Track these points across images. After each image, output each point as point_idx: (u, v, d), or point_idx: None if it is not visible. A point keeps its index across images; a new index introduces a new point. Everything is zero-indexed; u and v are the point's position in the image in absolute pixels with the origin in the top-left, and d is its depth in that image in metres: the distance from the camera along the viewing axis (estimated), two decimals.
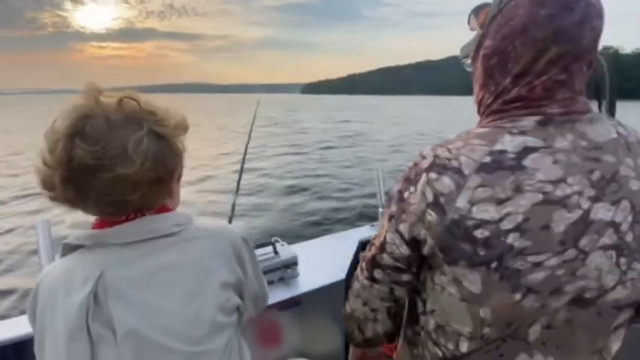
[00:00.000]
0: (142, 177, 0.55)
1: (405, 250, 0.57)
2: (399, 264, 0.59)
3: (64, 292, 0.57)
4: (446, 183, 0.51)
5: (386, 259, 0.60)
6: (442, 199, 0.51)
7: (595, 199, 0.49)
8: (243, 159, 1.50)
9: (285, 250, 1.52)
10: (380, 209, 1.85)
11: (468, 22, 0.66)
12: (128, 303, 0.57)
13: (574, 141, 0.51)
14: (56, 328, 0.56)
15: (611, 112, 0.96)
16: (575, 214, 0.48)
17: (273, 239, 1.55)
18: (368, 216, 5.83)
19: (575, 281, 0.50)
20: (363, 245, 1.72)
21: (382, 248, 0.61)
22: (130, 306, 0.57)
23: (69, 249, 0.61)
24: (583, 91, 0.57)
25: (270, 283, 1.45)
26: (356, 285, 0.69)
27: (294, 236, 4.91)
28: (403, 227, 0.57)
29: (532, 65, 0.53)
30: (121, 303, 0.56)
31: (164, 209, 0.64)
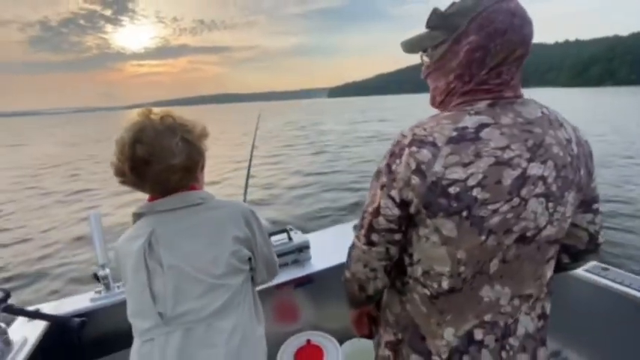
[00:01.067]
0: (178, 167, 0.83)
1: (396, 211, 0.69)
2: (392, 225, 0.70)
3: (130, 243, 0.86)
4: (424, 154, 0.64)
5: (381, 221, 0.71)
6: (423, 167, 0.64)
7: (529, 160, 0.64)
8: (250, 160, 1.76)
9: (298, 237, 1.74)
10: None
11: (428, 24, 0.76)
12: (170, 248, 0.84)
13: (513, 118, 0.66)
14: (127, 266, 0.86)
15: None
16: (517, 171, 0.63)
17: (287, 227, 1.77)
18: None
19: (519, 222, 0.65)
20: None
21: (377, 213, 0.71)
22: (171, 249, 0.84)
23: (137, 216, 0.90)
24: (520, 79, 0.74)
25: (285, 264, 1.68)
26: (355, 252, 0.78)
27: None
28: (394, 192, 0.68)
29: (503, 61, 0.67)
30: (166, 247, 0.84)
31: (192, 188, 0.91)
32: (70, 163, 14.24)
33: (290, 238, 1.72)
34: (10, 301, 1.23)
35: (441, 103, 0.77)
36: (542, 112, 0.70)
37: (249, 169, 1.75)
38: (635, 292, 1.36)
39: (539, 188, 0.65)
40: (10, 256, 5.30)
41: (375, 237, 0.73)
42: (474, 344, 0.70)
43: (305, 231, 1.87)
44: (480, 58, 0.68)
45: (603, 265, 1.56)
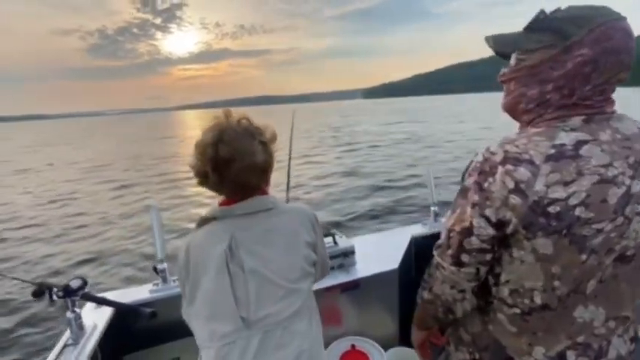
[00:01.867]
0: (259, 166, 0.86)
1: (491, 231, 0.66)
2: (485, 245, 0.68)
3: (210, 246, 0.87)
4: (522, 172, 0.62)
5: (474, 241, 0.68)
6: (522, 185, 0.62)
7: (632, 177, 0.63)
8: (289, 161, 1.78)
9: (344, 241, 1.75)
10: (433, 207, 1.97)
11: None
12: (251, 252, 0.86)
13: (611, 134, 0.64)
14: (208, 269, 0.86)
15: None
16: (622, 189, 0.62)
17: (332, 231, 1.79)
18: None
19: (621, 242, 0.63)
20: (415, 240, 1.87)
21: (470, 232, 0.68)
22: (251, 254, 0.86)
23: (203, 221, 0.91)
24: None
25: (332, 269, 1.69)
26: (441, 273, 0.75)
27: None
28: (489, 212, 0.65)
29: (607, 80, 0.65)
30: (247, 252, 0.86)
31: (264, 192, 0.93)
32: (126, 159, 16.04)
33: (336, 242, 1.73)
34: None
35: (526, 112, 0.72)
36: (639, 128, 0.68)
37: (289, 170, 1.77)
38: None
39: None
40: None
41: (465, 257, 0.70)
42: None
43: (339, 227, 1.88)
44: (588, 73, 0.65)
45: None
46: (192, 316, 0.90)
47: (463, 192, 0.71)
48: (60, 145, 29.25)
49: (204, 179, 0.87)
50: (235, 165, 0.83)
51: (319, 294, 1.59)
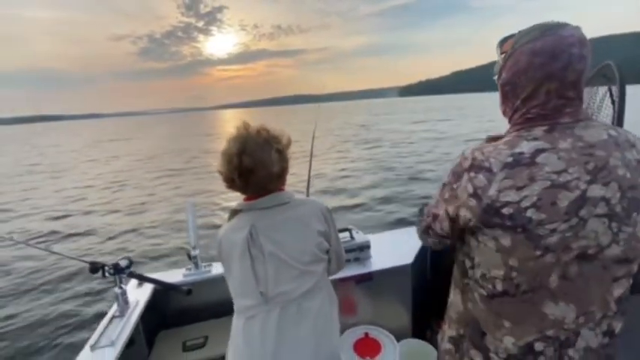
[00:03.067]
0: (275, 174, 1.00)
1: (447, 226, 0.80)
2: (444, 233, 0.82)
3: (234, 234, 1.02)
4: (480, 179, 0.71)
5: (437, 228, 0.83)
6: (479, 191, 0.71)
7: (590, 182, 0.67)
8: (310, 157, 1.89)
9: (360, 236, 1.85)
10: None
11: (497, 50, 0.86)
12: (269, 238, 1.00)
13: (572, 142, 0.69)
14: (234, 255, 1.01)
15: (620, 113, 1.03)
16: (575, 193, 0.66)
17: (349, 227, 1.89)
18: None
19: (579, 241, 0.67)
20: None
21: (435, 219, 0.83)
22: (270, 240, 1.00)
23: (234, 212, 1.07)
24: (581, 102, 0.75)
25: (347, 261, 1.79)
26: (419, 226, 0.94)
27: None
28: (451, 209, 0.77)
29: (534, 94, 0.74)
30: (266, 238, 1.00)
31: (281, 189, 1.07)
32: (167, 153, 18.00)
33: (352, 237, 1.84)
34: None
35: (510, 117, 0.83)
36: (609, 135, 0.71)
37: (310, 166, 1.89)
38: None
39: (601, 209, 0.67)
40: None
41: (431, 233, 0.87)
42: (532, 354, 0.74)
43: (356, 224, 1.98)
44: (512, 91, 0.78)
45: None
46: (232, 293, 1.07)
47: (442, 187, 0.82)
48: (119, 141, 33.17)
49: (231, 184, 1.02)
50: (257, 174, 0.98)
51: (336, 284, 1.71)
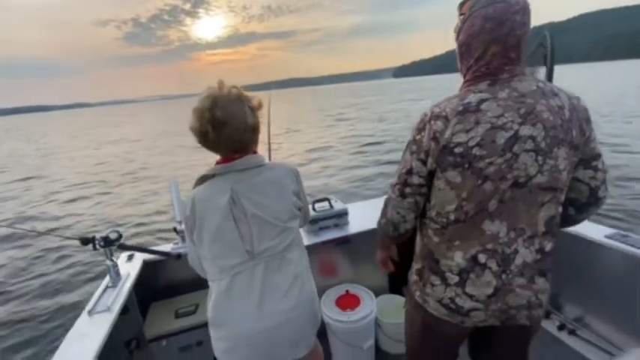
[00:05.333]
0: (249, 126, 1.03)
1: (424, 171, 0.90)
2: (422, 180, 0.92)
3: (214, 198, 1.04)
4: (439, 125, 0.85)
5: (415, 179, 0.92)
6: (437, 134, 0.84)
7: (521, 124, 0.80)
8: (269, 126, 1.84)
9: (338, 204, 1.95)
10: None
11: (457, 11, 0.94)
12: (250, 201, 1.05)
13: (509, 93, 0.82)
14: (213, 216, 1.03)
15: (550, 73, 1.17)
16: (509, 133, 0.80)
17: (328, 197, 1.99)
18: None
19: (512, 172, 0.81)
20: None
21: (410, 172, 0.92)
22: (252, 202, 1.05)
23: (203, 178, 1.08)
24: (519, 61, 0.85)
25: (327, 227, 1.90)
26: (391, 203, 0.99)
27: None
28: (422, 155, 0.89)
29: (483, 55, 0.85)
30: (247, 200, 1.04)
31: (254, 152, 1.11)
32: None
33: (331, 206, 1.94)
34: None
35: (464, 75, 0.93)
36: (538, 86, 0.83)
37: (269, 136, 1.90)
38: None
39: (529, 145, 0.80)
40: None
41: (407, 190, 0.94)
42: (479, 265, 0.87)
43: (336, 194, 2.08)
44: (467, 52, 0.88)
45: (623, 233, 1.58)
46: (202, 257, 1.10)
47: (408, 145, 0.95)
48: (115, 126, 33.94)
49: (203, 138, 1.03)
50: (230, 125, 1.00)
51: (317, 247, 1.82)
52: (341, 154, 10.57)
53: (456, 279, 0.90)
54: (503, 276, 0.87)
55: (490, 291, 0.87)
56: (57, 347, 1.21)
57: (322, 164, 9.43)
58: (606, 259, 1.57)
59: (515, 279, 0.87)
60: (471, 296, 0.89)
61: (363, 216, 1.98)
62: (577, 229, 1.70)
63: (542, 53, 1.27)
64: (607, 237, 1.57)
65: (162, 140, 18.37)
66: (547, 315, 1.93)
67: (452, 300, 0.91)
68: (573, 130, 0.82)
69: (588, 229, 1.68)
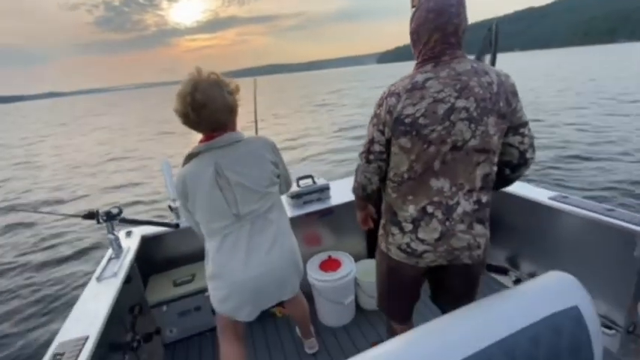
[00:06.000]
0: (227, 107, 1.19)
1: (383, 140, 1.08)
2: (382, 148, 1.09)
3: (201, 172, 1.20)
4: (393, 101, 1.02)
5: (376, 147, 1.10)
6: (391, 108, 1.02)
7: (457, 97, 0.98)
8: (256, 121, 1.97)
9: (321, 181, 2.15)
10: None
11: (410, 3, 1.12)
12: (233, 171, 1.21)
13: (448, 72, 1.00)
14: (203, 187, 1.20)
15: (494, 58, 1.40)
16: (447, 105, 0.98)
17: (311, 174, 2.18)
18: None
19: (450, 137, 0.99)
20: None
21: (372, 142, 1.10)
22: (234, 173, 1.21)
23: (190, 156, 1.23)
24: (459, 45, 1.03)
25: (311, 201, 2.10)
26: (360, 169, 1.17)
27: None
28: (381, 127, 1.07)
29: (428, 41, 1.02)
30: (230, 172, 1.21)
31: (233, 130, 1.27)
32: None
33: (314, 182, 2.13)
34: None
35: (416, 59, 1.10)
36: (472, 66, 1.01)
37: (255, 113, 1.97)
38: (590, 214, 1.64)
39: (463, 115, 0.99)
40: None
41: (371, 157, 1.13)
42: (427, 215, 1.06)
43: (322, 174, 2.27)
44: (416, 39, 1.06)
45: (563, 194, 1.84)
46: (198, 223, 1.29)
47: (371, 119, 1.12)
48: (97, 116, 33.57)
49: (186, 119, 1.18)
50: (209, 107, 1.15)
51: (301, 219, 2.02)
52: (322, 138, 11.02)
53: (410, 227, 1.09)
54: (447, 223, 1.05)
55: (437, 235, 1.06)
56: (72, 307, 1.35)
57: (306, 148, 9.76)
58: (550, 219, 1.83)
59: (457, 225, 1.05)
60: (422, 240, 1.08)
61: (343, 190, 2.18)
62: (524, 192, 1.96)
63: (488, 39, 1.49)
64: (550, 199, 1.82)
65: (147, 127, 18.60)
66: (505, 272, 2.21)
67: (408, 245, 1.11)
68: (500, 101, 0.99)
69: (534, 193, 1.94)
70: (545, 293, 0.83)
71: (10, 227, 5.85)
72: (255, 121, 2.00)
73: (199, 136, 1.27)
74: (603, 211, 1.61)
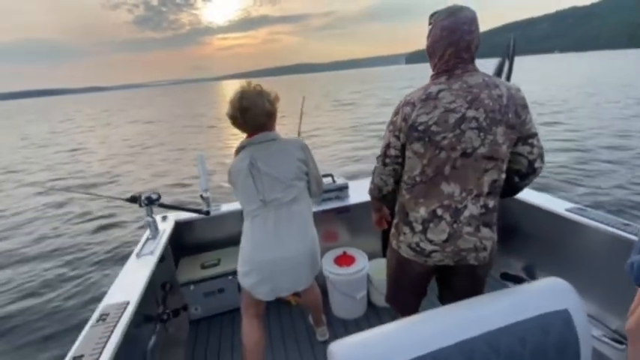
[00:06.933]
0: (266, 112, 1.43)
1: (398, 145, 1.18)
2: (397, 152, 1.20)
3: (241, 163, 1.43)
4: (408, 109, 1.12)
5: (392, 151, 1.20)
6: (407, 117, 1.12)
7: (468, 108, 1.06)
8: (300, 117, 2.29)
9: (340, 180, 2.27)
10: None
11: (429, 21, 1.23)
12: (264, 163, 1.43)
13: (460, 84, 1.08)
14: (241, 175, 1.43)
15: (510, 70, 1.47)
16: (458, 114, 1.06)
17: (331, 174, 2.31)
18: None
19: (461, 144, 1.07)
20: None
21: (389, 146, 1.21)
22: (265, 164, 1.43)
23: (239, 149, 1.49)
24: (471, 60, 1.12)
25: (330, 199, 2.23)
26: (376, 171, 1.30)
27: None
28: (397, 133, 1.17)
29: (443, 55, 1.11)
30: (262, 163, 1.42)
31: (270, 130, 1.49)
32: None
33: (334, 181, 2.26)
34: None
35: (433, 71, 1.20)
36: (484, 79, 1.09)
37: (300, 124, 2.28)
38: (606, 228, 1.64)
39: (473, 124, 1.07)
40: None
41: (387, 160, 1.24)
42: (437, 217, 1.15)
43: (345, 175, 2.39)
44: (432, 53, 1.16)
45: (581, 207, 1.85)
46: (240, 203, 1.50)
47: (388, 125, 1.23)
48: (140, 109, 36.25)
49: (234, 120, 1.45)
50: (252, 111, 1.41)
51: (319, 215, 2.16)
52: (346, 138, 11.30)
53: (420, 227, 1.17)
54: (455, 225, 1.12)
55: (445, 237, 1.13)
56: (113, 280, 1.54)
57: (333, 147, 10.03)
58: (568, 231, 1.84)
59: (464, 227, 1.12)
60: (431, 241, 1.16)
61: (361, 191, 2.28)
62: (542, 203, 1.98)
63: (506, 52, 1.56)
64: (567, 210, 1.84)
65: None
66: (521, 281, 2.23)
67: (417, 244, 1.19)
68: (509, 113, 1.06)
69: (552, 204, 1.96)
70: (538, 295, 0.88)
71: (63, 204, 6.66)
72: (300, 124, 2.23)
73: (231, 129, 1.51)
74: (620, 225, 1.62)
